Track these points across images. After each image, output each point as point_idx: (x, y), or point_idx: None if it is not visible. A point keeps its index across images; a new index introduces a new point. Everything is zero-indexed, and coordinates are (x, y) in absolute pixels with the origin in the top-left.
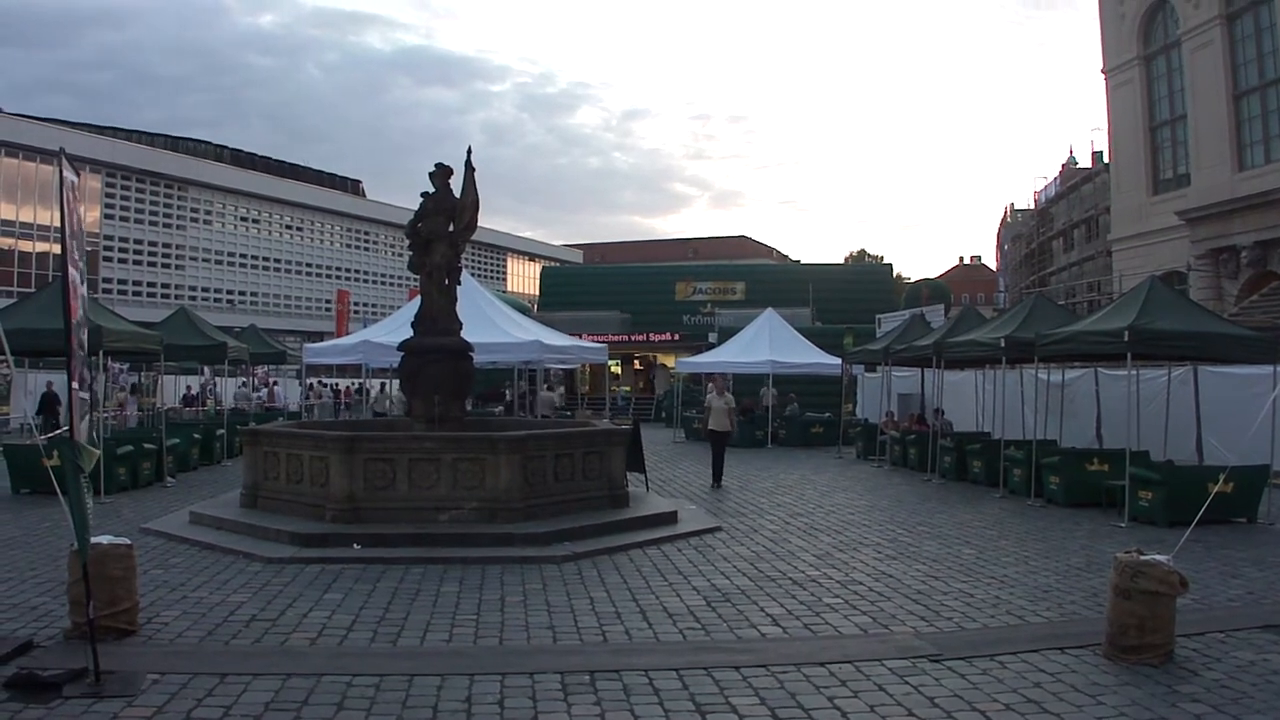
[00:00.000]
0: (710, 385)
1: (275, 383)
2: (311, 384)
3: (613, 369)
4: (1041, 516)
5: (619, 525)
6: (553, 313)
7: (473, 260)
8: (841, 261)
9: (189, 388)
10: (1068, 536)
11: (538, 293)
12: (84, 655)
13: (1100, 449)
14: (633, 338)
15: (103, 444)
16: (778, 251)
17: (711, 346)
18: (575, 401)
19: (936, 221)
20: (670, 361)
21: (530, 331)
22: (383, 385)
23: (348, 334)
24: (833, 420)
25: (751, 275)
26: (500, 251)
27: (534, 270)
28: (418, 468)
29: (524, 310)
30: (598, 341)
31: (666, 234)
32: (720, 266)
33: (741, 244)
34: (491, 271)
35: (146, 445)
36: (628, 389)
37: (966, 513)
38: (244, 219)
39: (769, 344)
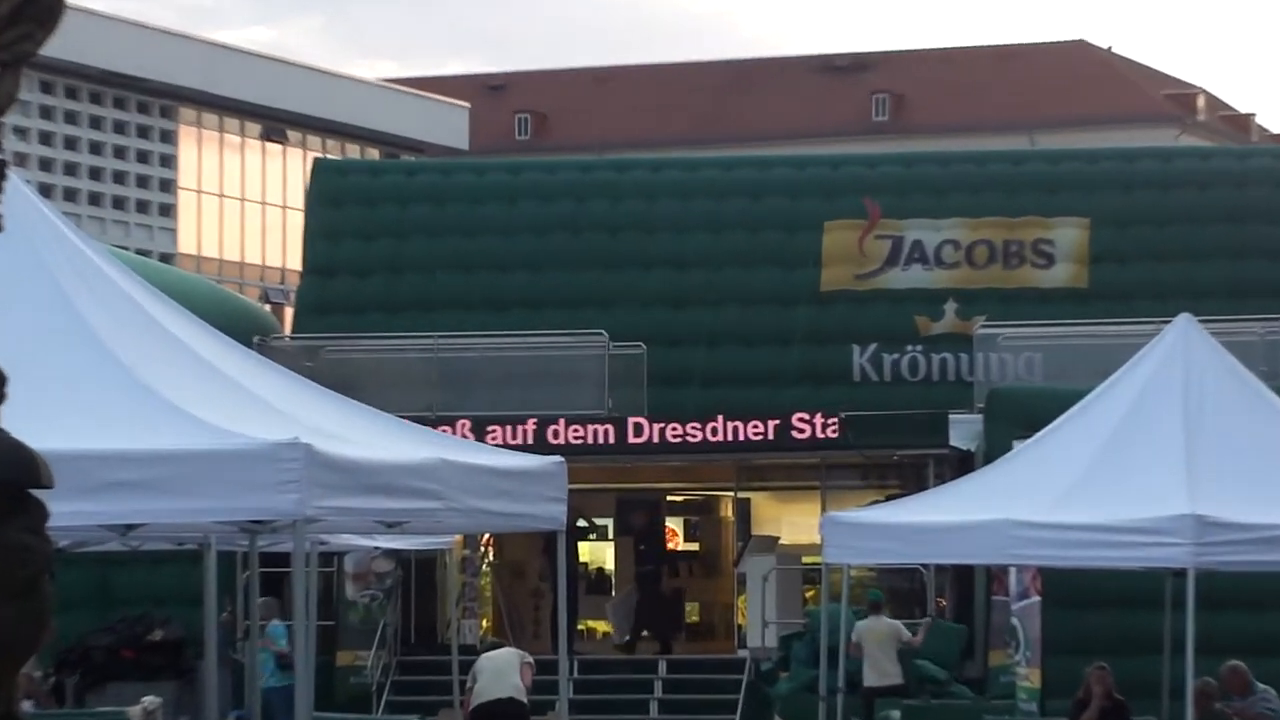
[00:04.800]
0: None
1: None
2: None
3: (586, 548)
4: None
5: None
6: (357, 344)
7: (44, 132)
8: None
9: None
10: None
11: (299, 262)
12: None
13: None
14: (664, 432)
15: None
16: (1210, 99)
17: (964, 459)
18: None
19: None
20: (805, 528)
21: (274, 416)
22: None
23: None
24: None
25: (1109, 193)
26: (162, 103)
27: (289, 172)
28: None
29: (259, 328)
30: (528, 447)
31: (773, 44)
32: (983, 156)
33: (1074, 73)
34: (136, 186)
35: None
36: None
37: None
38: None
39: (1185, 455)
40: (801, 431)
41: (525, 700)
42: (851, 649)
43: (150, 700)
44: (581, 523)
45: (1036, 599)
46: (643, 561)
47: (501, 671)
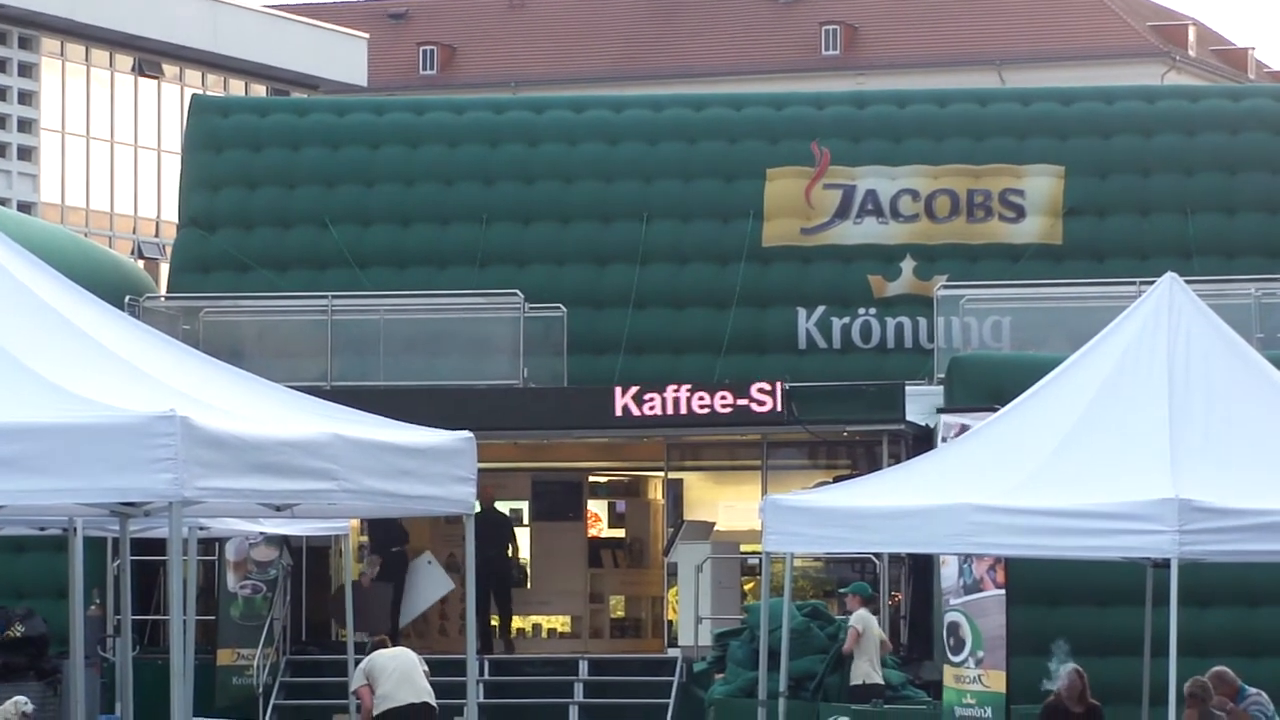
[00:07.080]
0: None
1: None
2: None
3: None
4: None
5: None
6: (240, 305)
7: None
8: None
9: None
10: None
11: (176, 213)
12: None
13: None
14: (585, 404)
15: None
16: (1202, 31)
17: (922, 436)
18: None
19: None
20: (744, 512)
21: (148, 385)
22: None
23: None
24: None
25: (1086, 138)
26: (21, 32)
27: (165, 110)
28: None
29: (131, 287)
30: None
31: None
32: (945, 96)
33: (1048, 2)
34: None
35: None
36: None
37: None
38: None
39: (1168, 432)
40: (740, 405)
41: (436, 705)
42: (851, 641)
43: (21, 700)
44: (511, 504)
45: (996, 592)
46: (382, 544)
47: (408, 674)
